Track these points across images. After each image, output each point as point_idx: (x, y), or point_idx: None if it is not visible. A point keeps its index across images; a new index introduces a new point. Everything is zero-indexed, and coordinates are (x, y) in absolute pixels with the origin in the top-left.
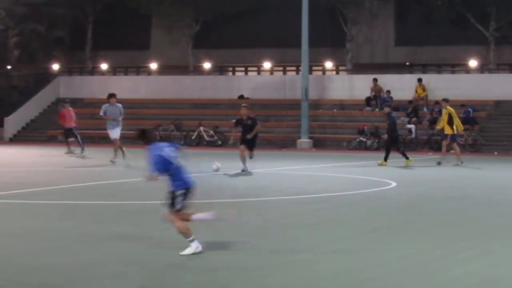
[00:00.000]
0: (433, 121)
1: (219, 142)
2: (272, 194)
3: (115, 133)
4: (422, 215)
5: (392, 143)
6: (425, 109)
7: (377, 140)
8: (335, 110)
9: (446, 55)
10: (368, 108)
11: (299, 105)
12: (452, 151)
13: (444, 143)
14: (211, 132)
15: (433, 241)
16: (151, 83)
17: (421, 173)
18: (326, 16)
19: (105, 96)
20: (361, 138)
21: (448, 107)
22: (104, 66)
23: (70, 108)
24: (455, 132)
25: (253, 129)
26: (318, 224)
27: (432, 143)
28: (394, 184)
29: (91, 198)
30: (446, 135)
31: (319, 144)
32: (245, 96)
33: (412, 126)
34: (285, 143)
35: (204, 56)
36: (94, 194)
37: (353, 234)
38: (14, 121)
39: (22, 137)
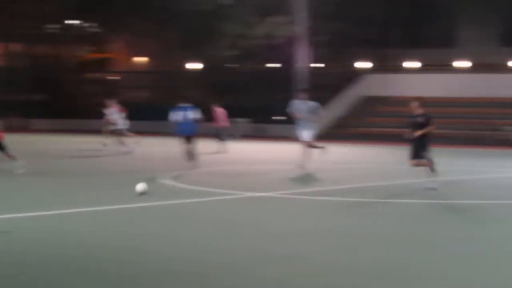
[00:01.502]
0: None
1: None
2: None
3: (303, 134)
4: None
5: None
6: None
7: None
8: None
9: None
10: None
11: None
12: None
13: None
14: None
15: None
16: (459, 82)
17: None
18: None
19: (411, 94)
20: None
21: None
22: (410, 64)
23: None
24: None
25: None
26: None
27: None
28: None
29: (398, 197)
30: None
31: None
32: None
33: None
34: None
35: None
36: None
37: None
38: (324, 118)
39: (332, 134)
